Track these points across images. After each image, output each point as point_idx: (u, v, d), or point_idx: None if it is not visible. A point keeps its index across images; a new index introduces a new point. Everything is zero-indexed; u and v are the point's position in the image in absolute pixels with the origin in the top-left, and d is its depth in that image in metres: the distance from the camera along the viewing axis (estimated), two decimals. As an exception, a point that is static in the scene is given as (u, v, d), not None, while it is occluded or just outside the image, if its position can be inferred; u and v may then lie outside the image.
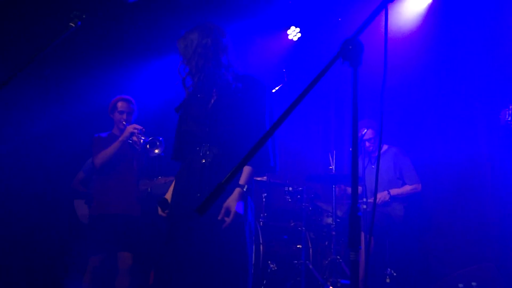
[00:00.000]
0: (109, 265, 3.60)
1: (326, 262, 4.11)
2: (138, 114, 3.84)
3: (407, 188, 4.23)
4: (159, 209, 2.30)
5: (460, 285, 3.50)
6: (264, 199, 4.47)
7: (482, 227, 4.10)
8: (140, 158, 3.70)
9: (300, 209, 4.31)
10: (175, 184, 2.34)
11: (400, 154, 4.33)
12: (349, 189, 4.58)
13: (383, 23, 1.41)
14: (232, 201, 2.12)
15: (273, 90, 3.92)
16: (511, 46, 3.99)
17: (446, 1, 4.50)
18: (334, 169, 4.37)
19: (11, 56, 4.23)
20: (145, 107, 4.03)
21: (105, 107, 3.87)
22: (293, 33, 5.33)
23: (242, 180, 2.17)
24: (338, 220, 4.20)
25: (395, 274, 4.01)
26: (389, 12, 1.39)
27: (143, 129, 3.56)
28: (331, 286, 3.84)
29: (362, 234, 3.79)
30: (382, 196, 4.16)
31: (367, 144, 4.30)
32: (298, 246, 4.23)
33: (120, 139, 3.54)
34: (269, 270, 4.05)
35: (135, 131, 3.51)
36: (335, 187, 4.19)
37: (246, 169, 2.20)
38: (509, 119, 3.22)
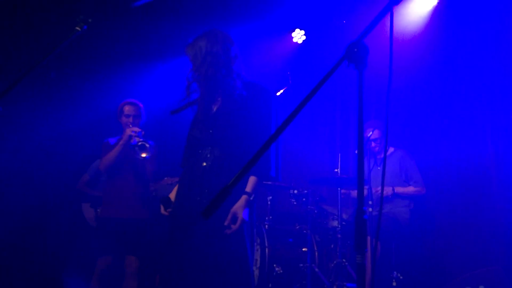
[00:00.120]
0: (117, 268, 3.61)
1: (332, 265, 4.10)
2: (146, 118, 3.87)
3: (411, 189, 4.22)
4: (162, 208, 2.33)
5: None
6: (269, 202, 4.46)
7: (489, 229, 4.07)
8: (152, 161, 3.69)
9: (306, 212, 4.30)
10: (178, 187, 2.36)
11: (406, 157, 4.31)
12: (353, 193, 4.57)
13: (389, 25, 1.41)
14: (240, 208, 2.13)
15: (278, 93, 3.91)
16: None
17: (451, 3, 4.48)
18: (339, 171, 4.36)
19: (17, 61, 4.27)
20: (151, 111, 4.04)
21: (110, 111, 3.90)
22: (298, 35, 5.33)
23: (248, 188, 2.19)
24: (343, 223, 4.19)
25: (401, 277, 3.99)
26: (394, 14, 1.39)
27: (142, 132, 3.57)
28: (337, 289, 3.82)
29: (368, 237, 3.77)
30: (385, 190, 4.14)
31: (373, 144, 4.28)
32: (303, 249, 4.21)
33: (121, 142, 3.58)
34: (274, 274, 4.03)
35: (133, 133, 3.53)
36: (340, 190, 4.17)
37: (252, 179, 2.22)
38: None
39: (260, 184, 2.30)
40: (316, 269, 4.04)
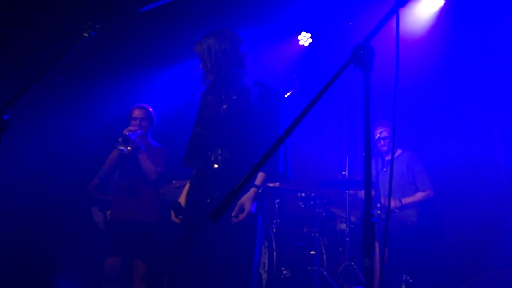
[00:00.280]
0: (125, 271, 3.63)
1: (340, 268, 4.08)
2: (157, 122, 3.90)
3: (419, 195, 4.19)
4: (172, 214, 2.31)
5: (478, 291, 3.44)
6: (277, 205, 4.46)
7: (499, 231, 4.03)
8: (159, 163, 3.70)
9: (313, 215, 4.28)
10: (189, 189, 2.35)
11: (413, 159, 4.29)
12: (360, 193, 4.55)
13: (395, 27, 1.40)
14: (247, 200, 2.13)
15: (285, 96, 3.92)
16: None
17: (457, 4, 4.46)
18: (347, 174, 4.35)
19: (26, 67, 4.31)
20: (161, 115, 4.07)
21: (119, 115, 3.93)
22: (304, 38, 5.34)
23: (257, 181, 2.19)
24: (351, 226, 4.17)
25: (410, 280, 3.96)
26: (401, 15, 1.38)
27: (138, 130, 3.58)
28: (346, 292, 3.81)
29: (376, 241, 3.75)
30: (393, 203, 4.13)
31: (381, 142, 4.25)
32: (311, 252, 4.20)
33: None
34: (282, 277, 4.02)
35: (128, 132, 3.55)
36: (348, 193, 4.16)
37: (261, 174, 2.22)
38: None
39: (269, 180, 2.29)
40: (325, 272, 4.02)
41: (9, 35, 4.38)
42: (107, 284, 3.54)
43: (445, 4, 4.53)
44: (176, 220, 2.30)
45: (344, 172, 4.37)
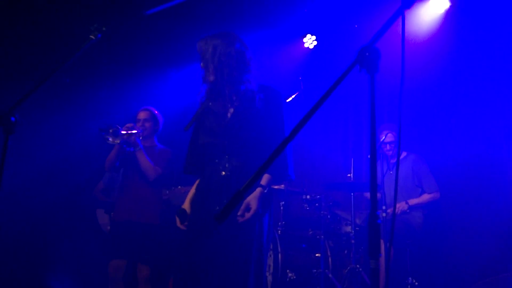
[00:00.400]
0: (130, 273, 3.64)
1: (346, 271, 4.06)
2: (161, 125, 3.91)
3: (425, 197, 4.18)
4: (178, 221, 2.30)
5: (485, 294, 3.41)
6: (282, 208, 4.45)
7: (506, 233, 4.00)
8: (160, 164, 3.72)
9: (319, 218, 4.28)
10: (195, 196, 2.34)
11: (419, 161, 4.28)
12: (367, 194, 4.54)
13: (401, 29, 1.40)
14: (253, 199, 2.13)
15: (290, 99, 3.92)
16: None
17: (463, 6, 4.45)
18: (352, 176, 4.34)
19: (32, 70, 4.34)
20: (166, 119, 4.09)
21: (126, 118, 3.95)
22: (309, 41, 5.34)
23: (263, 182, 2.19)
24: (357, 228, 4.16)
25: (416, 283, 3.93)
26: (407, 17, 1.38)
27: (135, 127, 3.59)
28: (351, 295, 3.79)
29: (382, 243, 3.74)
30: (400, 206, 4.12)
31: (387, 147, 4.25)
32: (317, 254, 4.19)
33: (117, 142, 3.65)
34: (287, 280, 4.02)
35: (125, 129, 3.56)
36: (353, 195, 4.15)
37: (266, 175, 2.22)
38: None
39: (276, 182, 2.29)
40: (330, 275, 4.01)
41: (16, 38, 4.42)
42: (112, 287, 3.56)
43: (451, 6, 4.52)
44: (182, 227, 2.30)
45: (349, 175, 4.36)
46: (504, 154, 4.14)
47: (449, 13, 4.54)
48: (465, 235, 4.31)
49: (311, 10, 4.96)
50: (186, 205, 2.35)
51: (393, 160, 4.35)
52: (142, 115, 3.82)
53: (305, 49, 5.40)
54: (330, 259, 4.20)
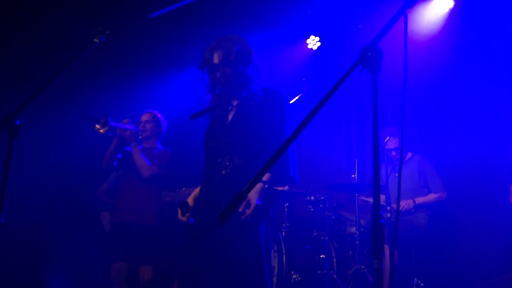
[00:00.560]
0: (132, 276, 3.64)
1: (350, 272, 4.05)
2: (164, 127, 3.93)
3: (432, 196, 4.16)
4: (179, 213, 2.30)
5: (491, 295, 3.39)
6: (286, 209, 4.45)
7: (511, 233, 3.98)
8: (158, 164, 3.72)
9: (323, 219, 4.27)
10: (198, 195, 2.36)
11: (424, 162, 4.26)
12: (370, 199, 4.52)
13: (403, 28, 1.40)
14: (254, 195, 2.12)
15: (293, 100, 3.92)
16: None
17: (467, 6, 4.43)
18: (356, 177, 4.33)
19: (36, 72, 4.37)
20: (170, 122, 4.10)
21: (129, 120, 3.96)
22: (313, 42, 5.34)
23: (265, 178, 2.18)
24: (361, 229, 4.14)
25: (422, 284, 3.92)
26: (409, 17, 1.38)
27: (127, 120, 3.63)
28: (356, 296, 3.78)
29: (387, 247, 3.72)
30: (406, 204, 4.10)
31: (393, 153, 4.25)
32: (321, 256, 4.18)
33: (115, 139, 3.72)
34: (292, 281, 4.01)
35: (121, 124, 3.59)
36: (358, 196, 4.14)
37: (267, 174, 2.21)
38: None
39: (278, 183, 2.28)
40: (334, 276, 4.00)
41: (20, 41, 4.45)
42: None
43: (454, 5, 4.51)
44: (183, 219, 2.29)
45: (353, 175, 4.35)
46: (510, 154, 4.12)
47: (453, 13, 4.52)
48: (470, 236, 4.29)
49: (315, 11, 4.96)
50: (189, 199, 2.37)
51: (398, 162, 4.34)
52: (144, 117, 3.88)
53: (309, 50, 5.40)
54: (334, 260, 4.19)
